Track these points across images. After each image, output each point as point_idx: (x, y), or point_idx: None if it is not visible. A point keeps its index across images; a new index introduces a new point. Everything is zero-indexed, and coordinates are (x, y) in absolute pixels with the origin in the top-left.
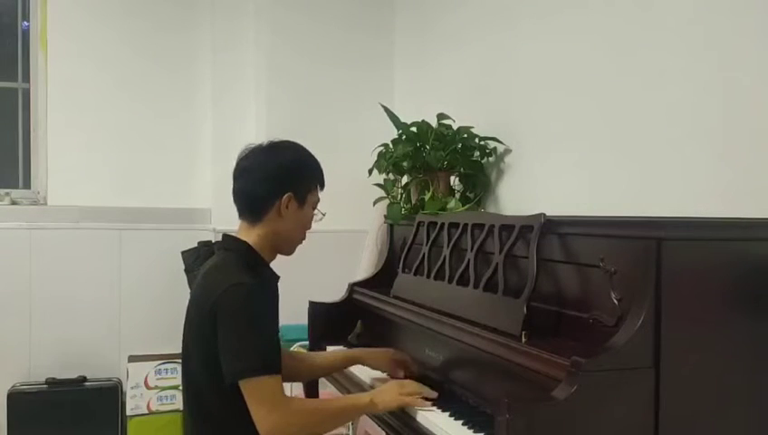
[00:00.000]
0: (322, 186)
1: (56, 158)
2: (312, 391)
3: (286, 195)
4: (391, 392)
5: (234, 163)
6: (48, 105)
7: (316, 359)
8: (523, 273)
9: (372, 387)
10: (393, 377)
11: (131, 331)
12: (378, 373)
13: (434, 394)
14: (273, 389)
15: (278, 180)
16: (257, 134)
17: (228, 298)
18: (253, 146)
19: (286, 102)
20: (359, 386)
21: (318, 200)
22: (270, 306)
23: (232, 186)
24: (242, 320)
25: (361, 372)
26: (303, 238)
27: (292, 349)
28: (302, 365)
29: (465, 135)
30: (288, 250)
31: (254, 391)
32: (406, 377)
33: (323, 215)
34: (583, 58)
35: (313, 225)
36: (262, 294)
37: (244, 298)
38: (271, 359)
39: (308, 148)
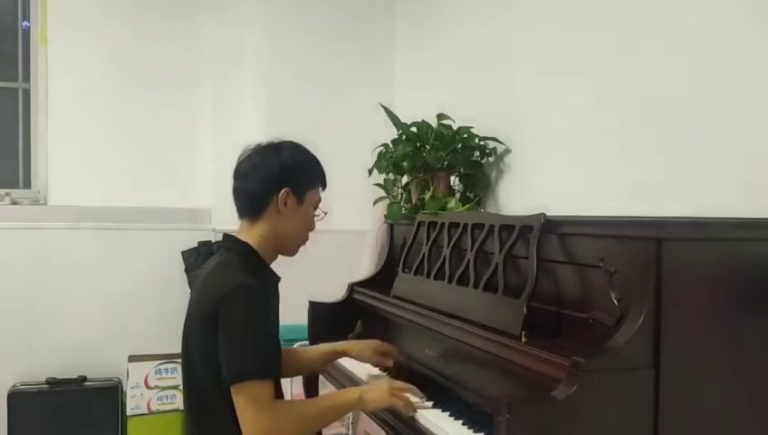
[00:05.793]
0: (324, 185)
1: (56, 158)
2: (311, 389)
3: (284, 190)
4: (382, 391)
5: (234, 163)
6: (48, 105)
7: (303, 354)
8: (523, 273)
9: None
10: (380, 367)
11: (131, 331)
12: (374, 370)
13: (420, 394)
14: (261, 393)
15: (276, 177)
16: (258, 134)
17: (231, 300)
18: (253, 146)
19: (286, 102)
20: (355, 384)
21: (319, 200)
22: (270, 308)
23: (232, 186)
24: (242, 323)
25: (358, 370)
26: (306, 239)
27: None
28: (290, 361)
29: (465, 135)
30: (289, 250)
31: (242, 396)
32: (395, 366)
33: (325, 214)
34: (583, 59)
35: (317, 225)
36: (264, 296)
37: (247, 301)
38: (266, 363)
39: (308, 147)
